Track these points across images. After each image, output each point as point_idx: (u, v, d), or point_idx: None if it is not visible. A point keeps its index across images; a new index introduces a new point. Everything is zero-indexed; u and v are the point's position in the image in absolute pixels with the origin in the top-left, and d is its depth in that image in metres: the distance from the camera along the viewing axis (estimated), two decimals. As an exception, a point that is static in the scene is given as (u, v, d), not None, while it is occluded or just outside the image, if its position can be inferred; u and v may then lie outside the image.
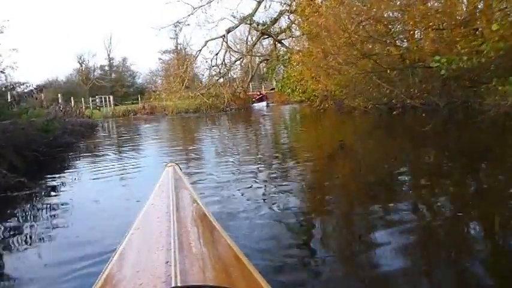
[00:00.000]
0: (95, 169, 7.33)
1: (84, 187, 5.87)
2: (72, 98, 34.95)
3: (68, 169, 7.58)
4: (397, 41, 12.06)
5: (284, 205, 3.92)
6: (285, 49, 25.36)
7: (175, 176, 2.36)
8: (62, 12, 72.96)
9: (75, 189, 5.65)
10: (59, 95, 32.19)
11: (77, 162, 8.48)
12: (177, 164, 2.64)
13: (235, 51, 27.15)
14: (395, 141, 8.02)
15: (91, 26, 76.88)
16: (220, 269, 1.35)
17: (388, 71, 9.69)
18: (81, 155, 9.38)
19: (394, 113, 8.90)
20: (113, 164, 7.74)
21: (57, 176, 6.74)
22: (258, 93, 32.81)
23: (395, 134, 8.74)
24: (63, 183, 6.10)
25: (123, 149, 10.66)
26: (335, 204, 4.14)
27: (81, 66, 54.40)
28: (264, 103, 29.12)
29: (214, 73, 26.02)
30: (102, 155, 9.32)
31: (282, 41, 26.12)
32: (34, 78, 67.23)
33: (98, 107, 37.44)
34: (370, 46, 11.69)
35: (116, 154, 9.60)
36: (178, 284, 1.04)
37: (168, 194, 1.97)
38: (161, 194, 2.10)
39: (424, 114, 8.42)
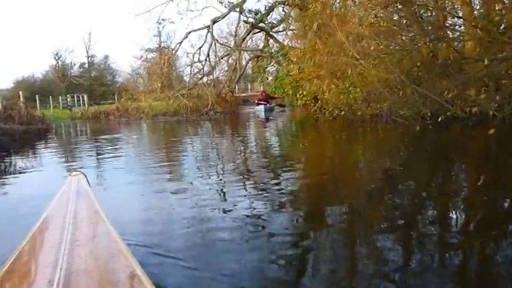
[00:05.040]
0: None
1: None
2: (37, 96, 31.13)
3: None
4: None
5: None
6: (279, 45, 21.93)
7: (78, 187, 2.13)
8: (40, 5, 68.90)
9: None
10: (20, 92, 28.38)
11: None
12: (83, 173, 2.39)
13: (222, 45, 23.55)
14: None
15: (69, 21, 73.09)
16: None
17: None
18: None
19: (491, 131, 5.08)
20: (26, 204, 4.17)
21: None
22: (262, 93, 23.07)
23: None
24: None
25: (60, 171, 6.94)
26: None
27: (57, 62, 51.10)
28: (262, 107, 20.59)
29: (196, 70, 22.28)
30: (20, 187, 5.65)
31: (276, 35, 22.64)
32: (8, 75, 62.81)
33: (69, 107, 33.71)
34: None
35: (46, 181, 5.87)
36: None
37: (67, 206, 1.77)
38: (59, 207, 1.88)
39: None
